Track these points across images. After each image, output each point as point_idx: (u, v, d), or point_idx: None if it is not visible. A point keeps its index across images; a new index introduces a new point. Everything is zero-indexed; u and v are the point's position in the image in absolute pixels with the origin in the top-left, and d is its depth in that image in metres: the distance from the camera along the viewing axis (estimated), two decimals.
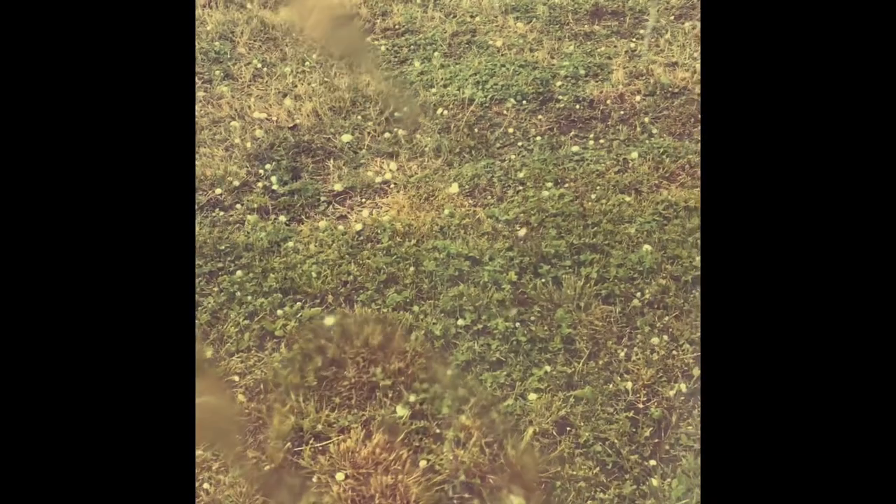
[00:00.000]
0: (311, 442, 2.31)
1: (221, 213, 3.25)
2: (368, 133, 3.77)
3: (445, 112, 3.88)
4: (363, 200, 3.35)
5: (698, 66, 4.19)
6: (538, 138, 3.67)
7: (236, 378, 2.50)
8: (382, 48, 4.58)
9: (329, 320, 2.65)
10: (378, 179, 3.43)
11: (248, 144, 3.67)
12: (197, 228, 3.11)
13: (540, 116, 3.87)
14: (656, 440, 2.31)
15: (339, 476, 2.21)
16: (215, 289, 2.82)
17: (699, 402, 2.40)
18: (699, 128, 3.71)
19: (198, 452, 2.28)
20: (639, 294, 2.76)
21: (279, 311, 2.71)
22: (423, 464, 2.23)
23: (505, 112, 3.90)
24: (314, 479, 2.22)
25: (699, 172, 3.39)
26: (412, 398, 2.40)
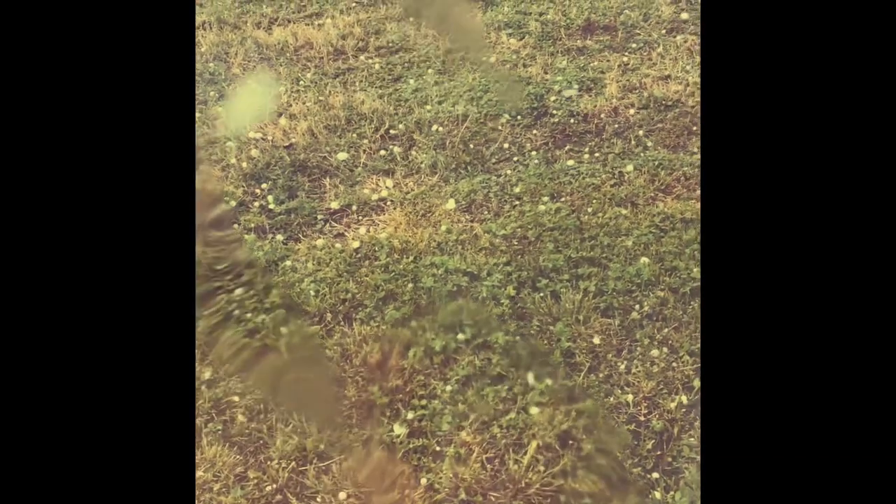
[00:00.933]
0: (314, 461, 2.31)
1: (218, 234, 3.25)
2: (364, 151, 3.78)
3: (440, 128, 3.89)
4: (360, 218, 3.36)
5: (691, 78, 4.21)
6: (533, 153, 3.69)
7: (236, 398, 2.49)
8: (376, 66, 4.60)
9: (328, 352, 2.63)
10: (375, 197, 3.44)
11: (244, 164, 3.67)
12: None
13: (535, 131, 3.88)
14: (658, 452, 2.30)
15: (342, 496, 2.20)
16: (213, 308, 2.81)
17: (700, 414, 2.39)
18: (694, 140, 3.72)
19: (198, 473, 2.27)
20: (637, 306, 2.76)
21: (282, 329, 2.70)
22: (423, 481, 2.22)
23: (500, 127, 3.92)
24: (318, 500, 2.21)
25: (695, 184, 3.41)
26: (410, 415, 2.40)
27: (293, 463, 2.30)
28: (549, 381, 2.48)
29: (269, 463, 2.31)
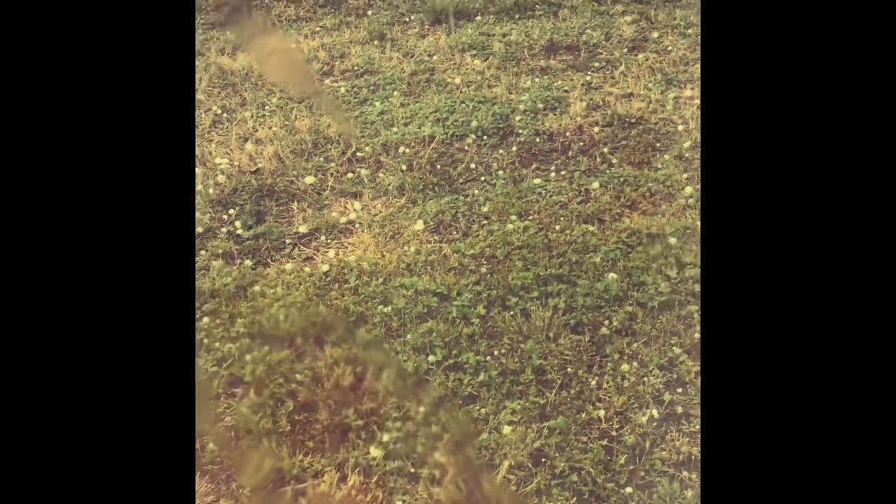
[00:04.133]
0: (291, 484, 2.28)
1: None
2: (331, 174, 3.78)
3: (407, 150, 3.91)
4: (329, 241, 3.35)
5: (653, 95, 4.27)
6: (500, 172, 3.71)
7: (206, 426, 2.47)
8: (342, 89, 4.61)
9: (298, 376, 2.62)
10: (343, 220, 3.44)
11: (211, 190, 3.66)
12: None
13: (501, 151, 3.91)
14: (631, 467, 2.31)
15: None
16: None
17: (671, 428, 2.41)
18: (658, 156, 3.77)
19: None
20: (607, 322, 2.78)
21: (247, 356, 2.69)
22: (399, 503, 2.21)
23: (466, 148, 3.94)
24: None
25: (660, 199, 3.45)
26: (385, 438, 2.39)
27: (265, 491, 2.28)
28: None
29: (241, 491, 2.28)
